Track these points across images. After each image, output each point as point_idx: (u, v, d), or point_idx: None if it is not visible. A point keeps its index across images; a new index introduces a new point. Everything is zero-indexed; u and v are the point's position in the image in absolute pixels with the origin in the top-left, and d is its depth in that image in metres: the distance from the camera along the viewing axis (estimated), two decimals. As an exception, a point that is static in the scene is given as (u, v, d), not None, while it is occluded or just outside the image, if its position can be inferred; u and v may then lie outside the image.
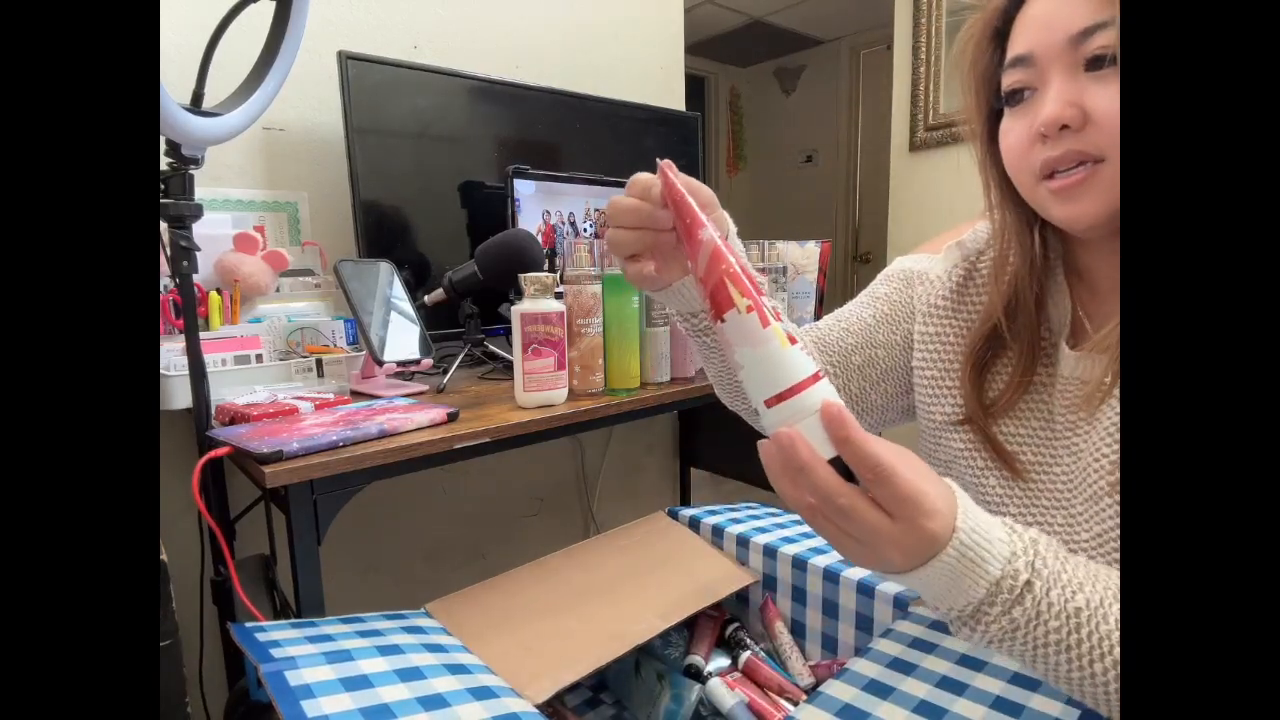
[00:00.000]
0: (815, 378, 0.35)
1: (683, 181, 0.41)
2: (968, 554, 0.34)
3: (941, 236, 0.65)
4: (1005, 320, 0.53)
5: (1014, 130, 0.48)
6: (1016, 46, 0.47)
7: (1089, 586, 0.36)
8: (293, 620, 0.60)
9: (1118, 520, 0.46)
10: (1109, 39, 0.41)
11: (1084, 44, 0.42)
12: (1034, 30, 0.45)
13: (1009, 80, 0.47)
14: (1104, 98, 0.42)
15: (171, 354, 0.87)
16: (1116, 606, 0.36)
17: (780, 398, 0.35)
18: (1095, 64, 0.42)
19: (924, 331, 0.59)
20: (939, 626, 0.58)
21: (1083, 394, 0.49)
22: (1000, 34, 0.49)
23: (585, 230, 1.30)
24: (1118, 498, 0.46)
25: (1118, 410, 0.47)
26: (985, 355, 0.54)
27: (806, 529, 0.78)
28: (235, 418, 0.80)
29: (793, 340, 0.36)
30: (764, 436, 0.36)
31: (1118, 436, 0.47)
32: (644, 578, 0.74)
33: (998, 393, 0.54)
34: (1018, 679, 0.51)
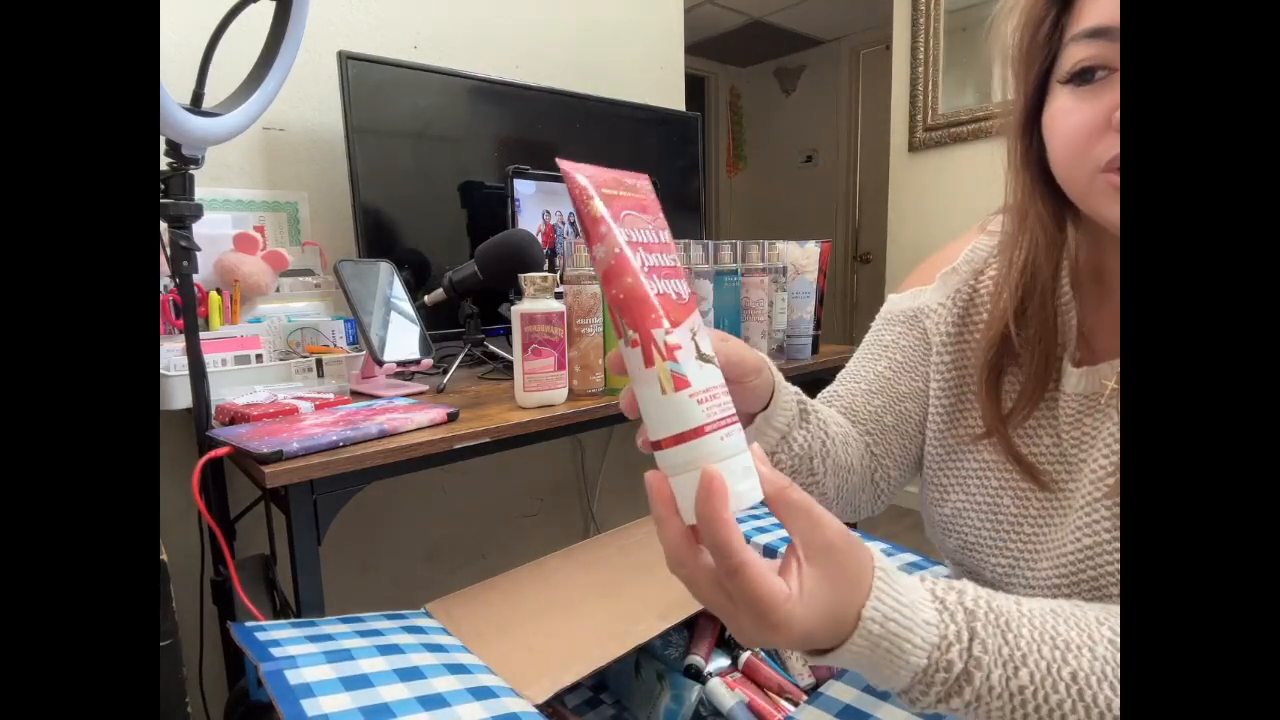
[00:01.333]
0: (698, 432, 0.31)
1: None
2: (881, 644, 0.32)
3: (921, 269, 0.62)
4: (1014, 326, 0.50)
5: (1076, 113, 0.42)
6: (1098, 15, 0.40)
7: (1034, 656, 0.34)
8: (293, 620, 0.60)
9: (1112, 530, 0.45)
10: None
11: None
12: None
13: (1080, 54, 0.41)
14: None
15: (171, 354, 0.87)
16: (1067, 668, 0.34)
17: (658, 445, 0.32)
18: None
19: (939, 362, 0.57)
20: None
21: (1086, 407, 0.48)
22: None
23: (585, 230, 1.30)
24: (1112, 502, 0.46)
25: (1117, 421, 0.46)
26: (999, 364, 0.52)
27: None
28: (235, 418, 0.80)
29: (681, 385, 0.31)
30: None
31: (1115, 447, 0.46)
32: (644, 578, 0.74)
33: (1013, 403, 0.52)
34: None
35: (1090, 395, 0.49)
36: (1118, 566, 0.45)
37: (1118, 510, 0.45)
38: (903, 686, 0.33)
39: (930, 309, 0.58)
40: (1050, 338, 0.50)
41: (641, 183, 0.35)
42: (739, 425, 0.32)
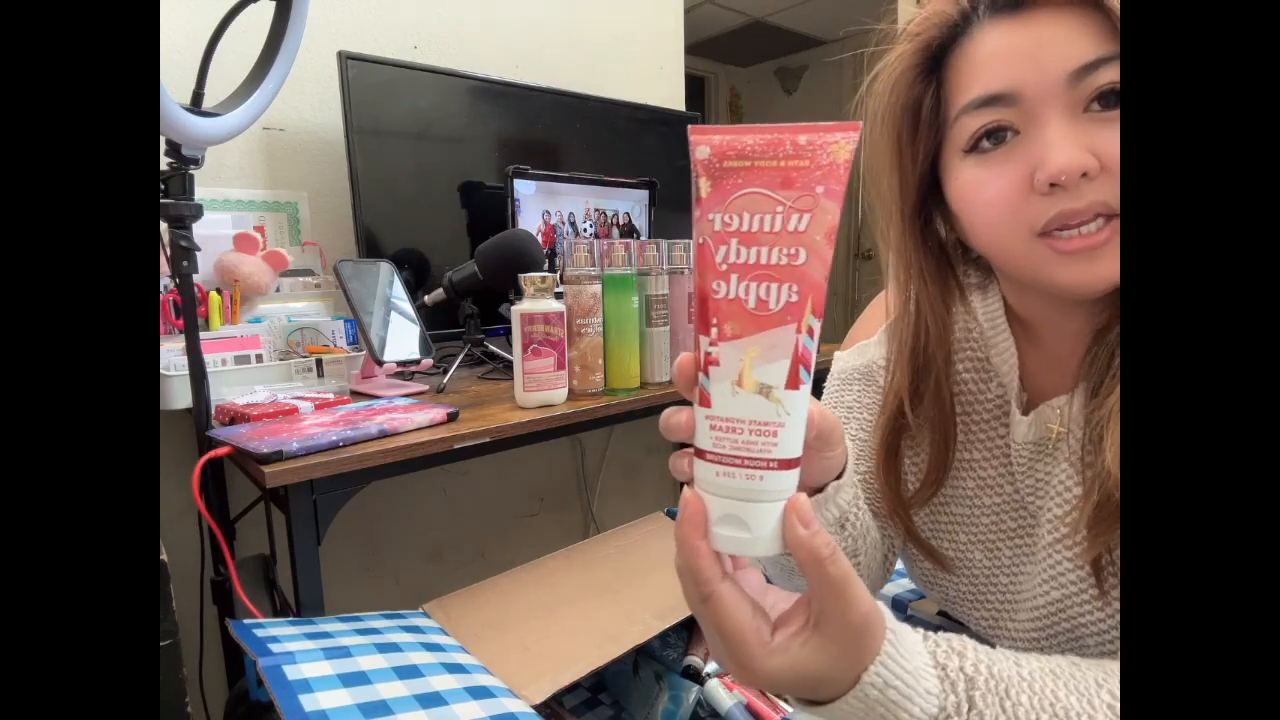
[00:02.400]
0: (701, 454, 0.30)
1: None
2: (877, 709, 0.31)
3: (862, 323, 0.61)
4: (910, 407, 0.49)
5: (993, 181, 0.41)
6: (984, 83, 0.40)
7: None
8: (291, 618, 0.61)
9: (1078, 580, 0.44)
10: (1116, 75, 0.37)
11: (1085, 80, 0.37)
12: (1014, 65, 0.39)
13: (976, 122, 0.41)
14: (1116, 142, 0.37)
15: (171, 354, 0.87)
16: None
17: (695, 453, 0.31)
18: (1104, 102, 0.37)
19: None
20: (938, 629, 0.58)
21: (1037, 454, 0.47)
22: (930, 71, 0.44)
23: (585, 230, 1.30)
24: (1073, 551, 0.44)
25: (1070, 462, 0.45)
26: (896, 444, 0.51)
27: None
28: (235, 418, 0.80)
29: (704, 402, 0.30)
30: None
31: (1066, 496, 0.45)
32: (643, 578, 0.74)
33: (916, 485, 0.50)
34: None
35: (1039, 441, 0.47)
36: (1092, 619, 0.44)
37: (1080, 558, 0.44)
38: None
39: (879, 365, 0.56)
40: (947, 420, 0.49)
41: (818, 143, 0.28)
42: (764, 474, 0.30)
